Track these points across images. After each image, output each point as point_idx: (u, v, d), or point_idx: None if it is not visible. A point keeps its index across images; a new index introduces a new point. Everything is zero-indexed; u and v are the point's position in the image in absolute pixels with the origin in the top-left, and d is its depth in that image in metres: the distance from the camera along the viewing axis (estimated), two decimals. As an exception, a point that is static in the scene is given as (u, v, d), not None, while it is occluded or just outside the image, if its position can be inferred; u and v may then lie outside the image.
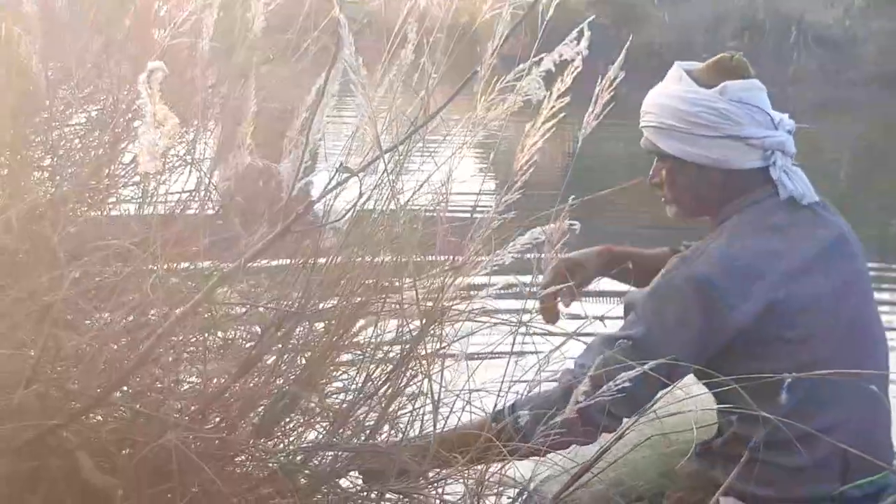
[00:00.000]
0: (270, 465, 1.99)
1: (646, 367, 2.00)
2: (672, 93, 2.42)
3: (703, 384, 2.33)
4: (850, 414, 2.31)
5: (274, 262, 2.23)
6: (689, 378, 2.36)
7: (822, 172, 11.50)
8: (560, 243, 2.16)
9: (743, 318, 2.27)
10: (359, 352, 2.12)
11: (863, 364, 2.33)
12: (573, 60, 2.05)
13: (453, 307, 2.10)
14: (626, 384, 2.00)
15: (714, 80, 2.40)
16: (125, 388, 1.95)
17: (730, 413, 2.11)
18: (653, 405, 2.16)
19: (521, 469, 2.23)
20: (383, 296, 2.08)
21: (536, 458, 2.22)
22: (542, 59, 2.05)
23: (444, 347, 2.11)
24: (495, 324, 2.17)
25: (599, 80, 2.18)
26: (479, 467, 2.09)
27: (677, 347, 2.26)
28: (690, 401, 2.37)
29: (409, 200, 2.11)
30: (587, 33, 2.02)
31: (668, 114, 2.40)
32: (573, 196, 2.19)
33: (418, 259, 2.12)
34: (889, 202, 10.04)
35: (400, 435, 2.11)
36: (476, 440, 2.07)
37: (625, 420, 2.21)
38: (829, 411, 2.28)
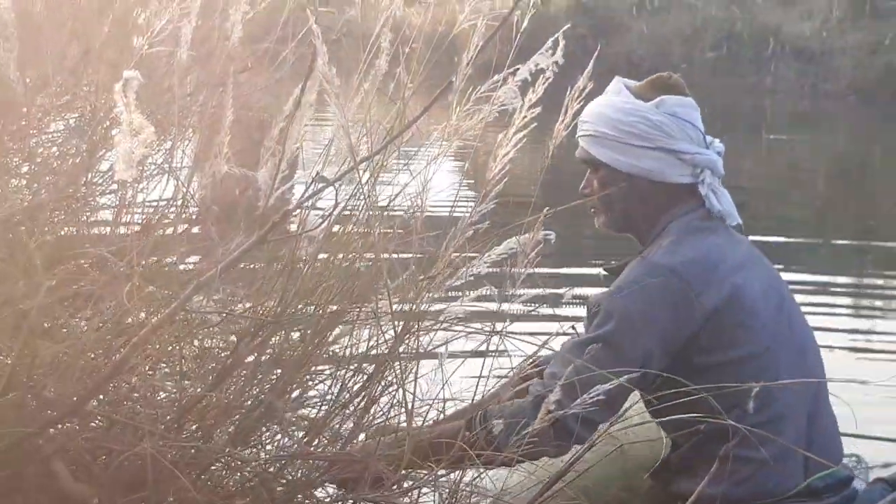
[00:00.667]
0: (246, 474, 1.99)
1: (621, 380, 2.02)
2: (609, 103, 2.47)
3: (645, 400, 2.34)
4: (799, 401, 2.40)
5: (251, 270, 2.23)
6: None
7: (800, 182, 11.61)
8: (534, 253, 2.17)
9: (711, 303, 2.33)
10: (334, 361, 2.13)
11: (805, 352, 2.49)
12: (555, 67, 2.07)
13: (427, 316, 2.11)
14: (601, 396, 2.02)
15: (651, 95, 2.45)
16: (101, 397, 1.95)
17: (688, 424, 2.12)
18: (621, 415, 2.17)
19: (494, 478, 2.24)
20: (358, 305, 2.08)
21: (508, 467, 2.23)
22: (517, 69, 2.06)
23: (418, 356, 2.11)
24: (469, 332, 2.17)
25: (568, 91, 2.20)
26: (452, 476, 2.10)
27: (647, 340, 2.29)
28: (648, 414, 2.40)
29: (384, 209, 2.11)
30: (562, 43, 2.04)
31: (603, 122, 2.45)
32: (547, 207, 2.20)
33: (394, 265, 2.13)
34: (866, 207, 10.13)
35: (374, 442, 2.11)
36: (450, 448, 2.08)
37: (600, 428, 2.23)
38: (781, 400, 2.35)
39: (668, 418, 2.12)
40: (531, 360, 2.46)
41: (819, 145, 15.07)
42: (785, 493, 2.37)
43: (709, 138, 2.50)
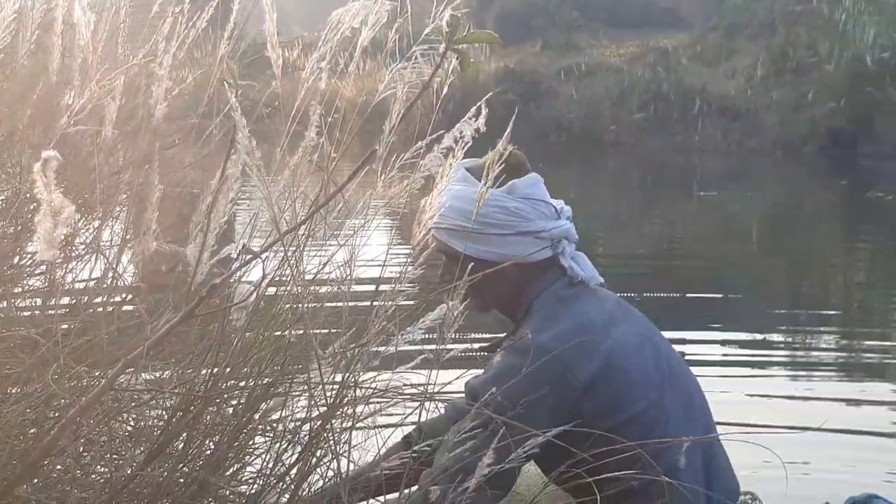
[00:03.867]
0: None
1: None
2: (460, 194, 2.46)
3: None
4: (695, 446, 2.42)
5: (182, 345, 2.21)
6: None
7: (734, 237, 11.78)
8: (460, 318, 2.17)
9: (586, 375, 2.35)
10: (269, 433, 2.11)
11: (691, 396, 2.53)
12: (476, 134, 2.08)
13: (360, 384, 2.10)
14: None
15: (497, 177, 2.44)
16: (34, 481, 1.92)
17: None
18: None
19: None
20: (290, 376, 2.07)
21: None
22: (441, 134, 2.08)
23: (352, 426, 2.10)
24: (403, 399, 2.17)
25: (487, 152, 2.21)
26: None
27: (538, 422, 2.26)
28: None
29: (312, 279, 2.11)
30: (485, 111, 2.05)
31: (459, 215, 2.45)
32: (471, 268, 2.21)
33: (325, 334, 2.12)
34: (795, 258, 10.30)
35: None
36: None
37: None
38: (679, 448, 2.35)
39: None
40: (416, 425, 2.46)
41: (748, 200, 15.30)
42: None
43: (557, 204, 2.53)
